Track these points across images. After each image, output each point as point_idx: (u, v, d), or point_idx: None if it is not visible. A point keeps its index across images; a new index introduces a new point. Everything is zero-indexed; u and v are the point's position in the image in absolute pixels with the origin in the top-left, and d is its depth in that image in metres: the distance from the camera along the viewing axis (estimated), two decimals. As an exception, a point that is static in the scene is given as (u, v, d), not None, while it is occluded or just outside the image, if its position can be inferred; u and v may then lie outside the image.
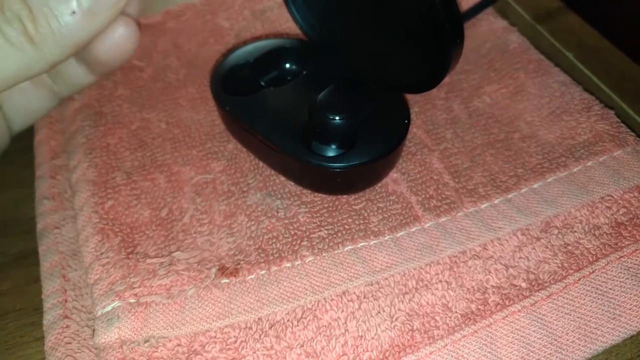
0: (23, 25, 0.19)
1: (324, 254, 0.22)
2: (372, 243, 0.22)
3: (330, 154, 0.23)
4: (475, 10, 0.29)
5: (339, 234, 0.23)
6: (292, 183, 0.25)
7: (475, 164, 0.25)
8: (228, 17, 0.33)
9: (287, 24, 0.32)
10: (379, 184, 0.24)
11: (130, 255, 0.22)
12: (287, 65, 0.27)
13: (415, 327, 0.20)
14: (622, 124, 0.26)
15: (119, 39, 0.23)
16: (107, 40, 0.23)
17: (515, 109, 0.27)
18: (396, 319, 0.21)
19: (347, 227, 0.23)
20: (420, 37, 0.22)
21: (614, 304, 0.21)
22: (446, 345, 0.20)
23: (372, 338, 0.20)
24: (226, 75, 0.25)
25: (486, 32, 0.31)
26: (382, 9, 0.22)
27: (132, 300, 0.20)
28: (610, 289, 0.21)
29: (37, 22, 0.19)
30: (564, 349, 0.20)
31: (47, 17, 0.19)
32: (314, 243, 0.22)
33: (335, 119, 0.22)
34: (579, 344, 0.20)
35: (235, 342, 0.20)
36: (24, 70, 0.20)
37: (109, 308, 0.20)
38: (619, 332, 0.20)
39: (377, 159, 0.22)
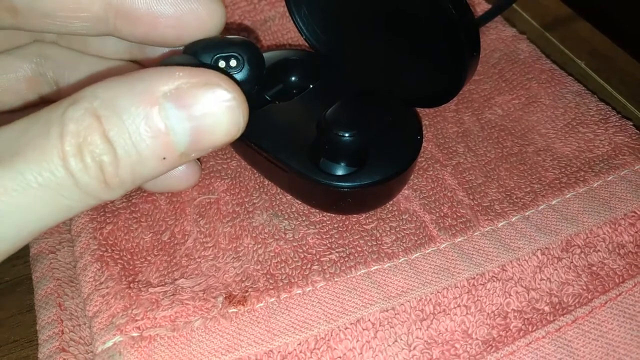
0: (102, 172, 0.15)
1: (336, 279, 0.21)
2: (386, 266, 0.21)
3: (340, 172, 0.21)
4: (484, 19, 0.28)
5: (351, 257, 0.21)
6: (300, 202, 0.24)
7: (490, 179, 0.24)
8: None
9: (289, 34, 0.31)
10: (390, 202, 0.23)
11: (131, 285, 0.20)
12: (293, 79, 0.25)
13: (434, 356, 0.19)
14: (641, 135, 0.25)
15: (180, 174, 0.21)
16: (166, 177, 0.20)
17: (529, 121, 0.26)
18: (414, 348, 0.19)
19: (359, 249, 0.22)
20: (435, 48, 0.21)
21: (642, 328, 0.20)
22: (469, 376, 0.19)
23: (390, 369, 0.19)
24: None
25: (495, 40, 0.30)
26: (396, 19, 0.21)
27: (134, 334, 0.19)
28: (638, 312, 0.20)
29: (120, 168, 0.15)
30: (592, 378, 0.19)
31: (134, 163, 0.15)
32: (325, 267, 0.21)
33: (344, 136, 0.21)
34: (608, 372, 0.19)
35: (245, 376, 0.19)
36: (76, 210, 0.16)
37: (109, 343, 0.19)
38: (649, 358, 0.19)
39: (390, 178, 0.21)
